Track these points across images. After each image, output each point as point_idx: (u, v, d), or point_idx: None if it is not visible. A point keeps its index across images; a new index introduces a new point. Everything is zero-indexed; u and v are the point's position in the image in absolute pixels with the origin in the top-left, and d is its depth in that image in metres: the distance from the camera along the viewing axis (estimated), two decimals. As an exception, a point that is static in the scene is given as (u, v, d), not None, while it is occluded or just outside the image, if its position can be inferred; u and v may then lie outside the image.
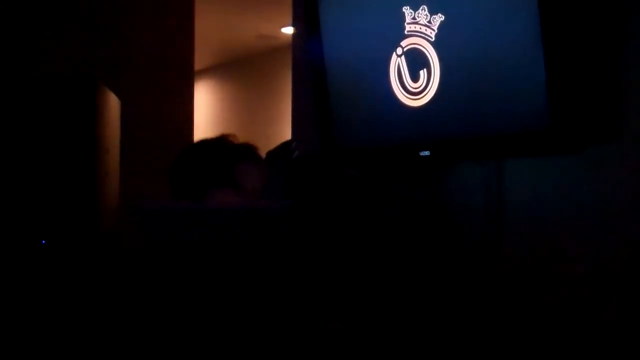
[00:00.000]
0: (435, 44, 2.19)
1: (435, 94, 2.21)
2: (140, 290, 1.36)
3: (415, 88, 2.28)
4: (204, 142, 1.69)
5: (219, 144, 1.67)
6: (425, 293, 2.15)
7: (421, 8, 2.22)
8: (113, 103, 3.30)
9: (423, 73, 2.24)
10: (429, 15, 2.19)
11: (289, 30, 5.25)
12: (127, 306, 1.37)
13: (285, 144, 1.80)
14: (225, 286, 1.29)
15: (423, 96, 2.25)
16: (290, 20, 3.13)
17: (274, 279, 1.29)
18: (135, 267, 1.36)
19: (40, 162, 3.00)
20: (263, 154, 1.88)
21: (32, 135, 3.10)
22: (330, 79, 2.57)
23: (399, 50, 2.31)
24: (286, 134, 1.83)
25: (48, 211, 2.94)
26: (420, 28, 2.22)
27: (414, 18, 2.24)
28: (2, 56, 3.30)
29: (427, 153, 2.27)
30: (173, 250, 1.28)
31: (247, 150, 1.69)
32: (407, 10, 2.26)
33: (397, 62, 2.32)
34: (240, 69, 6.60)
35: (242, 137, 2.09)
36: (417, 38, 2.24)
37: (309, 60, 2.69)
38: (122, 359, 1.34)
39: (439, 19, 2.17)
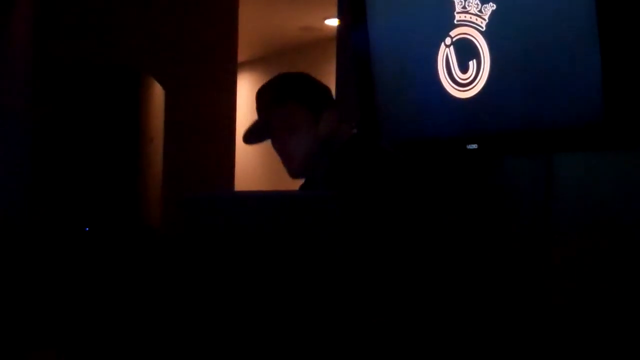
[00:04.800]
0: (486, 34, 2.13)
1: (485, 86, 2.16)
2: (185, 279, 1.35)
3: (464, 79, 2.23)
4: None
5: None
6: (470, 285, 2.10)
7: (472, -3, 2.17)
8: (157, 93, 3.31)
9: (472, 64, 2.19)
10: (479, 4, 2.14)
11: (332, 22, 5.22)
12: (171, 295, 1.37)
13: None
14: (271, 274, 1.27)
15: (472, 87, 2.20)
16: (334, 11, 3.10)
17: (321, 267, 1.26)
18: (180, 256, 1.35)
19: (85, 150, 3.03)
20: None
21: (77, 124, 3.13)
22: (376, 71, 2.53)
23: (448, 41, 2.26)
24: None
25: (92, 199, 2.97)
26: (471, 17, 2.17)
27: (464, 7, 2.19)
28: (47, 48, 3.34)
29: (474, 146, 2.22)
30: (220, 238, 1.27)
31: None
32: None
33: (445, 53, 2.27)
34: (283, 60, 6.58)
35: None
36: (467, 28, 2.19)
37: (354, 51, 2.65)
38: (168, 348, 1.34)
39: (490, 8, 2.11)
